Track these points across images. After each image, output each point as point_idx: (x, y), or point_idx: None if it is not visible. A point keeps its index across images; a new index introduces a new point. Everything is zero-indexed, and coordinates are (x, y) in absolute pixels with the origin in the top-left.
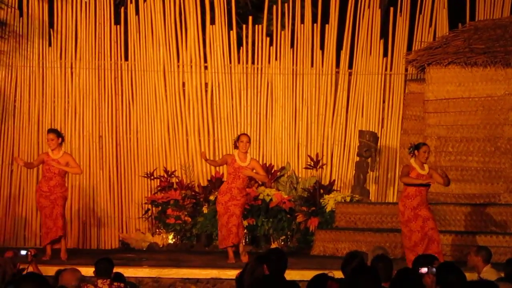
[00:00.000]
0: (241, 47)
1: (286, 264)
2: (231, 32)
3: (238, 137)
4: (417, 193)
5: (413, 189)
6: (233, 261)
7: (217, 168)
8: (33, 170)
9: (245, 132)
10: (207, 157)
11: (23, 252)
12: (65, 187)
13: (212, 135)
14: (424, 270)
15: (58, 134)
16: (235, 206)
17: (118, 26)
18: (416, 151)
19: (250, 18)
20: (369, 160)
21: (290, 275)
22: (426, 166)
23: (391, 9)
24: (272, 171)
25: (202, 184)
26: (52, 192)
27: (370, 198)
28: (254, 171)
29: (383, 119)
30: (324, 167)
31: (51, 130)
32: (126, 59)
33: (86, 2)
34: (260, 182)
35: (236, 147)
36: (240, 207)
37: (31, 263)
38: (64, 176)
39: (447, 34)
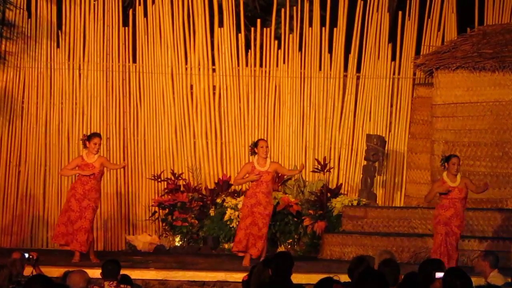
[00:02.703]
0: (249, 50)
1: (292, 267)
2: (239, 35)
3: (256, 143)
4: (451, 204)
5: (446, 200)
6: (247, 265)
7: (225, 170)
8: (41, 171)
9: (263, 138)
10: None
11: (26, 255)
12: (99, 192)
13: (219, 138)
14: (439, 275)
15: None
16: (260, 215)
17: (126, 28)
18: (446, 164)
19: (259, 21)
20: (376, 164)
21: (297, 278)
22: (458, 177)
23: (400, 13)
24: (280, 174)
25: (209, 187)
26: (86, 196)
27: (377, 202)
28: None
29: (390, 123)
30: (332, 170)
31: (97, 134)
32: (134, 61)
33: (94, 4)
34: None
35: (252, 153)
36: (264, 217)
37: (35, 267)
38: (100, 180)
39: (456, 38)
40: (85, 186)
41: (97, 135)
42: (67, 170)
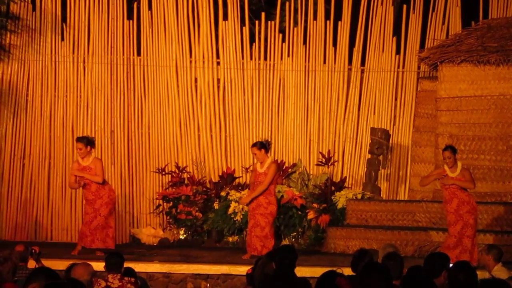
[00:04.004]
0: (254, 43)
1: (296, 261)
2: (243, 28)
3: None
4: (452, 195)
5: (446, 192)
6: (247, 258)
7: (229, 164)
8: (45, 164)
9: (256, 142)
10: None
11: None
12: (107, 187)
13: (224, 131)
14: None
15: (87, 143)
16: (261, 215)
17: (130, 21)
18: None
19: (263, 14)
20: (380, 157)
21: (301, 271)
22: (458, 168)
23: (404, 6)
24: (284, 168)
25: (213, 180)
26: (96, 196)
27: (381, 195)
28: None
29: (395, 116)
30: (336, 164)
31: (79, 139)
32: (139, 54)
33: None
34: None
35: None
36: (266, 217)
37: (38, 262)
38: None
39: (460, 32)
40: (91, 189)
41: (78, 140)
42: (71, 183)
